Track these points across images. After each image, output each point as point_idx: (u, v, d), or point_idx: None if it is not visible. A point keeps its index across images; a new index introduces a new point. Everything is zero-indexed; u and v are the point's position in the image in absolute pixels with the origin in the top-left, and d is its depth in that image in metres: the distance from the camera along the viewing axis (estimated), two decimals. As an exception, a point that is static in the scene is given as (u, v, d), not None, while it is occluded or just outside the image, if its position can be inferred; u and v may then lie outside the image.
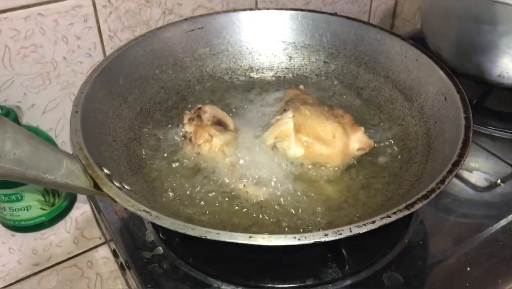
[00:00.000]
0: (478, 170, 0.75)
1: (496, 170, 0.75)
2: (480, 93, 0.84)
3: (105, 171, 0.56)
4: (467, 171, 0.75)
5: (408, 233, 0.66)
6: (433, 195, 0.52)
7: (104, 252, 0.83)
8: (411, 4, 1.22)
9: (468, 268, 0.61)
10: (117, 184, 0.55)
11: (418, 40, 0.93)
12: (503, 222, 0.67)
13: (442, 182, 0.54)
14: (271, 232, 0.59)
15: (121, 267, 0.70)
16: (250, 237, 0.48)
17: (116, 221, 0.69)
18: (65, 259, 0.82)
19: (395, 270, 0.61)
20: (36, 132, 0.83)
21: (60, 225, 0.87)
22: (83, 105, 0.63)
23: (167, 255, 0.63)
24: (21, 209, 0.81)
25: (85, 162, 0.55)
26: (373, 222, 0.49)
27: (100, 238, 0.85)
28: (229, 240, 0.48)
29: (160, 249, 0.64)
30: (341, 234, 0.49)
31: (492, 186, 0.73)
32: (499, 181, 0.74)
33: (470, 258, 0.63)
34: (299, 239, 0.48)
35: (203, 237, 0.48)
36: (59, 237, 0.85)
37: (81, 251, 0.83)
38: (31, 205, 0.81)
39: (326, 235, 0.48)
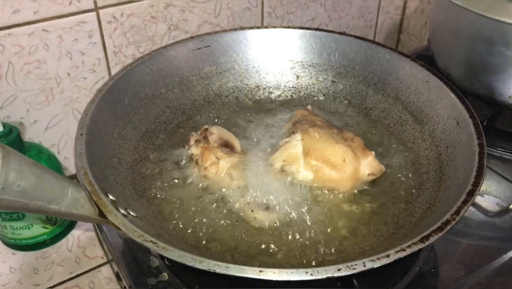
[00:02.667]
0: (489, 194, 0.74)
1: (507, 194, 0.74)
2: (491, 114, 0.82)
3: (110, 197, 0.55)
4: (478, 195, 0.73)
5: (419, 260, 0.64)
6: (448, 227, 0.51)
7: (106, 272, 0.81)
8: (417, 20, 1.21)
9: (482, 298, 0.60)
10: (122, 211, 0.54)
11: (426, 58, 0.92)
12: (516, 249, 0.66)
13: (457, 212, 0.52)
14: (280, 261, 0.57)
15: (124, 291, 0.68)
16: (261, 271, 0.46)
17: (119, 243, 0.68)
18: (66, 279, 0.80)
19: (406, 300, 0.60)
20: (38, 149, 0.82)
21: (62, 243, 0.85)
22: (88, 127, 0.62)
23: (172, 282, 0.61)
24: (22, 228, 0.79)
25: (90, 188, 0.53)
26: (388, 256, 0.48)
27: (102, 258, 0.83)
28: (239, 274, 0.46)
29: (166, 275, 0.62)
30: (354, 268, 0.47)
31: (504, 211, 0.72)
32: (511, 206, 0.72)
33: (484, 287, 0.61)
34: (311, 274, 0.46)
35: (212, 271, 0.46)
36: (61, 256, 0.83)
37: (83, 271, 0.81)
38: (33, 224, 0.79)
39: (339, 270, 0.47)
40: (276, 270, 0.46)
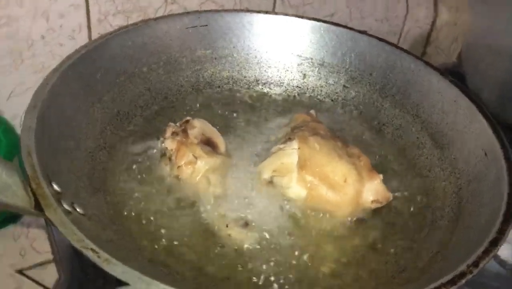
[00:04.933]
0: (509, 242, 0.66)
1: (531, 245, 0.67)
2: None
3: (55, 187, 0.48)
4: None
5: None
6: (463, 281, 0.44)
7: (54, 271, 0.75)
8: (448, 32, 1.15)
9: None
10: (66, 206, 0.47)
11: (455, 77, 0.86)
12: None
13: (476, 264, 0.46)
14: (250, 291, 0.50)
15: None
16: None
17: (66, 244, 0.60)
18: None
19: None
20: (-5, 119, 0.76)
21: (7, 230, 0.78)
22: (46, 99, 0.55)
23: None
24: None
25: (31, 173, 0.47)
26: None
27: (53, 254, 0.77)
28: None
29: (113, 289, 0.55)
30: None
31: (525, 264, 0.65)
32: (534, 259, 0.65)
33: None
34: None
35: (160, 298, 0.39)
36: (3, 245, 0.77)
37: (26, 266, 0.75)
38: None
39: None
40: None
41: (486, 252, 0.46)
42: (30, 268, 0.75)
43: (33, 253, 0.77)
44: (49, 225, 0.64)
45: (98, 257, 0.41)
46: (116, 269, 0.41)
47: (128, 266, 0.41)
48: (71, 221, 0.44)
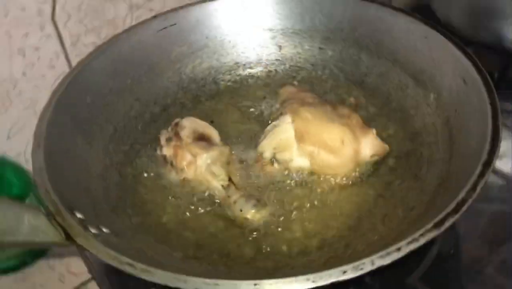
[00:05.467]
0: (507, 156, 0.70)
1: (529, 155, 0.70)
2: (501, 64, 0.78)
3: (78, 215, 0.51)
4: (495, 158, 0.70)
5: (437, 242, 0.61)
6: (465, 207, 0.48)
7: (94, 287, 0.79)
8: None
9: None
10: (93, 230, 0.50)
11: (423, 9, 0.88)
12: (543, 218, 0.63)
13: (474, 188, 0.49)
14: (279, 264, 0.55)
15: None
16: (255, 284, 0.43)
17: (100, 259, 0.65)
18: (51, 301, 0.78)
19: (425, 287, 0.57)
20: (2, 161, 0.79)
21: (43, 261, 0.82)
22: (46, 136, 0.58)
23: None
24: (-4, 250, 0.76)
25: (54, 209, 0.50)
26: (398, 249, 0.45)
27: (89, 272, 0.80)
28: (231, 290, 0.43)
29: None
30: (362, 268, 0.44)
31: (526, 173, 0.68)
32: (533, 167, 0.69)
33: (510, 265, 0.58)
34: (313, 281, 0.43)
35: (200, 290, 0.43)
36: (43, 276, 0.81)
37: (69, 290, 0.79)
38: (6, 245, 0.76)
39: (344, 272, 0.44)
40: (272, 281, 0.43)
41: (481, 175, 0.49)
42: (73, 291, 0.79)
43: (71, 277, 0.81)
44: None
45: (135, 269, 0.45)
46: (153, 276, 0.44)
47: (163, 270, 0.45)
48: (101, 243, 0.48)
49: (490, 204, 0.66)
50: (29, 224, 0.46)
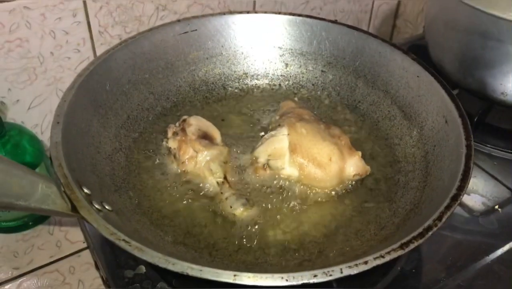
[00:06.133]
0: (476, 192, 0.72)
1: (494, 194, 0.72)
2: (482, 109, 0.80)
3: (85, 190, 0.53)
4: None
5: (401, 260, 0.63)
6: (430, 233, 0.49)
7: (87, 257, 0.80)
8: (414, 5, 1.18)
9: (461, 302, 0.59)
10: (96, 206, 0.52)
11: (420, 48, 0.89)
12: (499, 252, 0.65)
13: (440, 218, 0.51)
14: (258, 260, 0.56)
15: (103, 280, 0.67)
16: (235, 275, 0.45)
17: (97, 232, 0.66)
18: (46, 263, 0.79)
19: (386, 301, 0.59)
20: (20, 129, 0.80)
21: (44, 226, 0.83)
22: (66, 115, 0.59)
23: (149, 275, 0.60)
24: (2, 210, 0.77)
25: (64, 181, 0.51)
26: (366, 262, 0.47)
27: (84, 242, 0.82)
28: (212, 278, 0.45)
29: (143, 268, 0.61)
30: (331, 275, 0.46)
31: (490, 211, 0.70)
32: (496, 206, 0.71)
33: (464, 290, 0.60)
34: (286, 280, 0.45)
35: (185, 274, 0.45)
36: (42, 240, 0.81)
37: (63, 255, 0.80)
38: (13, 206, 0.77)
39: (315, 276, 0.45)
40: (251, 275, 0.45)
41: (448, 207, 0.51)
42: (67, 256, 0.80)
43: (68, 244, 0.82)
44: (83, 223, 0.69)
45: (130, 246, 0.46)
46: (146, 254, 0.46)
47: (155, 250, 0.46)
48: (102, 218, 0.49)
49: (454, 234, 0.68)
50: (42, 192, 0.47)
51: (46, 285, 0.76)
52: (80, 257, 0.80)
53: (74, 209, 0.50)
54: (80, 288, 0.76)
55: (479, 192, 0.72)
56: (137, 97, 0.73)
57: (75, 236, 0.82)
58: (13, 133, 0.78)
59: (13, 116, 0.84)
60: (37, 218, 0.82)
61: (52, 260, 0.79)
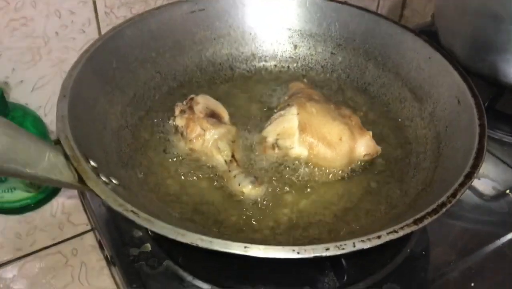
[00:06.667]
0: (487, 177, 0.72)
1: (505, 178, 0.72)
2: (493, 95, 0.79)
3: (92, 163, 0.52)
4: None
5: (411, 242, 0.62)
6: (444, 210, 0.49)
7: (90, 239, 0.79)
8: (422, -5, 1.17)
9: (472, 284, 0.58)
10: (103, 178, 0.51)
11: (429, 34, 0.88)
12: (510, 235, 0.64)
13: (454, 195, 0.50)
14: (267, 237, 0.55)
15: (107, 260, 0.67)
16: (246, 247, 0.44)
17: (102, 211, 0.66)
18: (49, 245, 0.78)
19: (396, 281, 0.58)
20: (23, 110, 0.79)
21: (46, 208, 0.83)
22: (72, 89, 0.58)
23: (155, 252, 0.60)
24: (4, 191, 0.76)
25: (71, 153, 0.51)
26: (379, 237, 0.46)
27: (86, 225, 0.81)
28: (223, 249, 0.44)
29: (148, 246, 0.60)
30: (343, 248, 0.45)
31: (500, 195, 0.70)
32: (507, 191, 0.70)
33: (475, 272, 0.60)
34: (298, 252, 0.44)
35: (195, 245, 0.44)
36: (44, 221, 0.81)
37: (66, 238, 0.80)
38: (16, 187, 0.76)
39: (327, 249, 0.45)
40: (261, 247, 0.44)
41: (462, 184, 0.51)
42: (69, 239, 0.79)
43: (70, 226, 0.81)
44: (85, 198, 0.68)
45: (138, 217, 0.46)
46: (155, 226, 0.45)
47: (164, 222, 0.46)
48: (110, 190, 0.49)
49: (464, 218, 0.68)
50: (49, 161, 0.46)
51: (48, 267, 0.75)
52: (83, 239, 0.79)
53: (81, 180, 0.49)
54: (83, 270, 0.75)
55: (490, 177, 0.72)
56: (143, 76, 0.72)
57: (78, 219, 0.81)
58: (17, 114, 0.77)
59: (16, 97, 0.83)
60: (40, 200, 0.81)
61: (54, 242, 0.78)
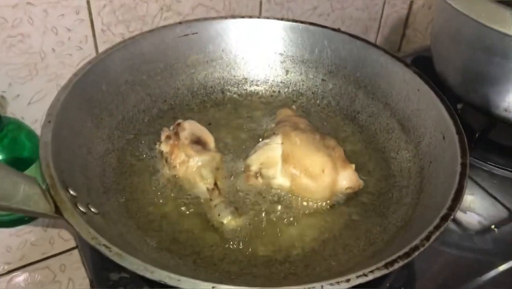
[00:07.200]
0: (472, 210, 0.71)
1: (491, 213, 0.71)
2: (485, 125, 0.78)
3: (71, 192, 0.53)
4: (460, 210, 0.71)
5: (390, 277, 0.62)
6: (416, 254, 0.49)
7: (78, 256, 0.80)
8: (424, 16, 1.16)
9: (452, 325, 0.58)
10: (81, 208, 0.52)
11: (427, 59, 0.88)
12: (492, 273, 0.63)
13: (428, 238, 0.50)
14: (243, 271, 0.56)
15: (90, 282, 0.67)
16: (213, 287, 0.44)
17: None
18: (38, 259, 0.79)
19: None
20: (18, 124, 0.80)
21: (38, 222, 0.83)
22: (58, 114, 0.59)
23: (135, 279, 0.60)
24: (-3, 204, 0.77)
25: (50, 182, 0.52)
26: (348, 280, 0.46)
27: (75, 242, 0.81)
28: (190, 288, 0.44)
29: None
30: (311, 291, 0.45)
31: (486, 230, 0.69)
32: (493, 226, 0.69)
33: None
34: (265, 295, 0.44)
35: (163, 282, 0.45)
36: (36, 235, 0.81)
37: (55, 253, 0.80)
38: (7, 201, 0.77)
39: (294, 292, 0.44)
40: (229, 288, 0.44)
41: (437, 227, 0.50)
42: (59, 254, 0.80)
43: (61, 241, 0.81)
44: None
45: (110, 251, 0.46)
46: (125, 261, 0.46)
47: (135, 257, 0.46)
48: (85, 221, 0.49)
49: (447, 250, 0.67)
50: (24, 193, 0.47)
51: (36, 282, 0.76)
52: (72, 255, 0.80)
53: (57, 210, 0.50)
54: (70, 287, 0.76)
55: (476, 210, 0.71)
56: (133, 99, 0.72)
57: (68, 234, 0.82)
58: (11, 127, 0.78)
59: (13, 111, 0.84)
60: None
61: (44, 256, 0.79)
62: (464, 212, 0.71)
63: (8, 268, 0.76)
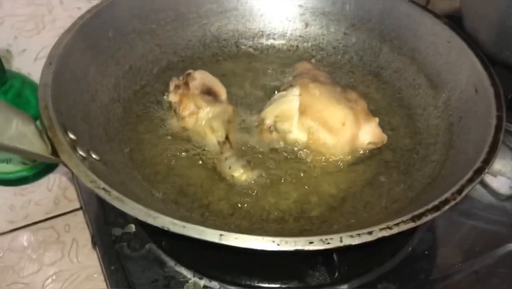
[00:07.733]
0: (503, 174, 0.66)
1: (523, 178, 0.66)
2: (518, 87, 0.73)
3: (71, 135, 0.49)
4: (490, 174, 0.66)
5: (413, 240, 0.57)
6: (446, 207, 0.44)
7: (83, 217, 0.77)
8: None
9: (477, 290, 0.53)
10: (81, 152, 0.48)
11: (455, 21, 0.82)
12: (523, 240, 0.59)
13: (460, 191, 0.45)
14: (254, 226, 0.52)
15: (92, 239, 0.64)
16: (221, 235, 0.40)
17: (87, 188, 0.62)
18: (42, 219, 0.76)
19: (393, 281, 0.54)
20: (22, 79, 0.77)
21: (43, 182, 0.81)
22: (61, 56, 0.56)
23: (139, 234, 0.57)
24: (0, 161, 0.74)
25: (47, 123, 0.48)
26: (370, 233, 0.41)
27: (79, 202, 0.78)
28: (197, 236, 0.41)
29: (132, 227, 0.58)
30: (328, 243, 0.41)
31: (517, 195, 0.64)
32: (525, 191, 0.64)
33: (481, 277, 0.55)
34: (278, 244, 0.40)
35: (166, 229, 0.41)
36: (40, 195, 0.79)
37: (59, 213, 0.77)
38: (11, 158, 0.74)
39: (311, 242, 0.41)
40: (238, 236, 0.40)
41: (470, 180, 0.46)
42: (63, 214, 0.77)
43: (66, 201, 0.79)
44: (74, 177, 0.66)
45: (109, 195, 0.43)
46: (125, 206, 0.42)
47: (141, 202, 0.42)
48: (85, 165, 0.46)
49: (475, 217, 0.63)
50: (17, 129, 0.43)
51: (40, 241, 0.73)
52: (77, 216, 0.77)
53: (54, 152, 0.46)
54: (74, 247, 0.73)
55: (507, 175, 0.66)
56: (141, 48, 0.69)
57: (73, 194, 0.79)
58: (16, 82, 0.75)
59: (19, 66, 0.82)
60: (37, 173, 0.79)
61: (48, 216, 0.76)
62: (494, 175, 0.66)
63: (11, 226, 0.74)
